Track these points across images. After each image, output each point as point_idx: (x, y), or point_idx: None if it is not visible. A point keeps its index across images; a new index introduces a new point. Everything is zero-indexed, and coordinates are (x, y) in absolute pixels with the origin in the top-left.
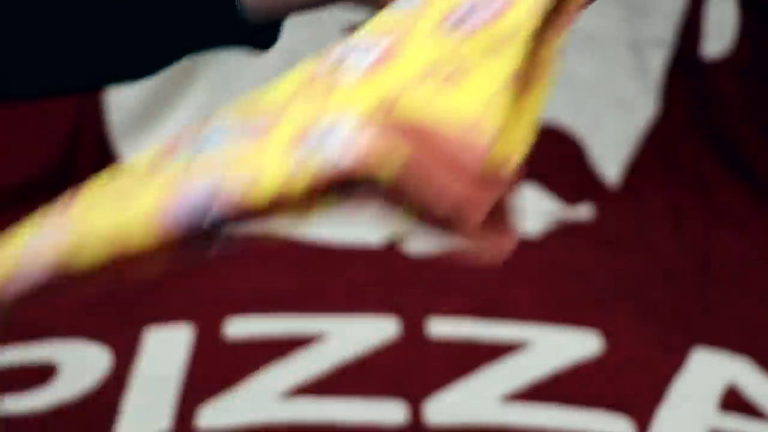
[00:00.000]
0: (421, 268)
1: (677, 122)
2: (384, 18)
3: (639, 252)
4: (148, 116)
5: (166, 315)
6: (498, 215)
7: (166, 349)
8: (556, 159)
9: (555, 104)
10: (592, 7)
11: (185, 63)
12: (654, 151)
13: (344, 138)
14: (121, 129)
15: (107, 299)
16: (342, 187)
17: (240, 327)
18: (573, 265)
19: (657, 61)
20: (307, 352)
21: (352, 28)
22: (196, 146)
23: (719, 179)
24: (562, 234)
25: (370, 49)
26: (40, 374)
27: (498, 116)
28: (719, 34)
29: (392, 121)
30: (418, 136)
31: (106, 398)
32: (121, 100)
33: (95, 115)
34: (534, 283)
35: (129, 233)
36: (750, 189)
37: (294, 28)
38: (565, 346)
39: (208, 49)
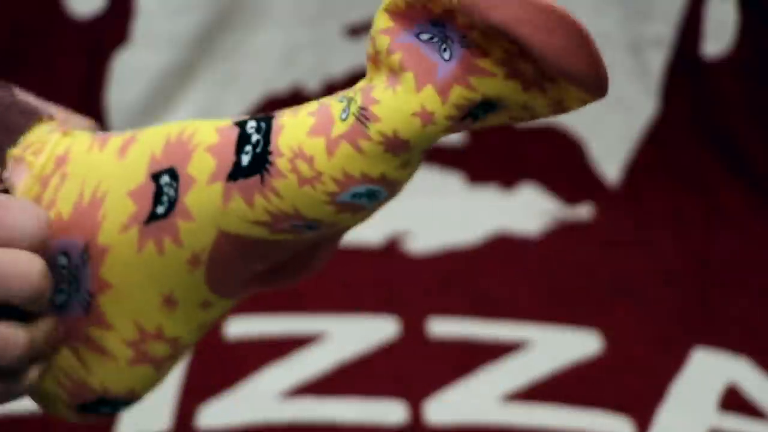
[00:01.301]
0: (421, 268)
1: (677, 122)
2: None
3: (639, 252)
4: (148, 116)
5: None
6: None
7: None
8: (555, 159)
9: None
10: (592, 7)
11: (185, 63)
12: (654, 151)
13: None
14: (121, 128)
15: None
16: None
17: (240, 327)
18: (573, 265)
19: (657, 61)
20: (307, 352)
21: (353, 30)
22: None
23: (719, 179)
24: (561, 234)
25: None
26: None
27: None
28: (719, 34)
29: None
30: None
31: None
32: (121, 100)
33: (96, 115)
34: (534, 282)
35: None
36: (750, 189)
37: (293, 28)
38: (565, 346)
39: None
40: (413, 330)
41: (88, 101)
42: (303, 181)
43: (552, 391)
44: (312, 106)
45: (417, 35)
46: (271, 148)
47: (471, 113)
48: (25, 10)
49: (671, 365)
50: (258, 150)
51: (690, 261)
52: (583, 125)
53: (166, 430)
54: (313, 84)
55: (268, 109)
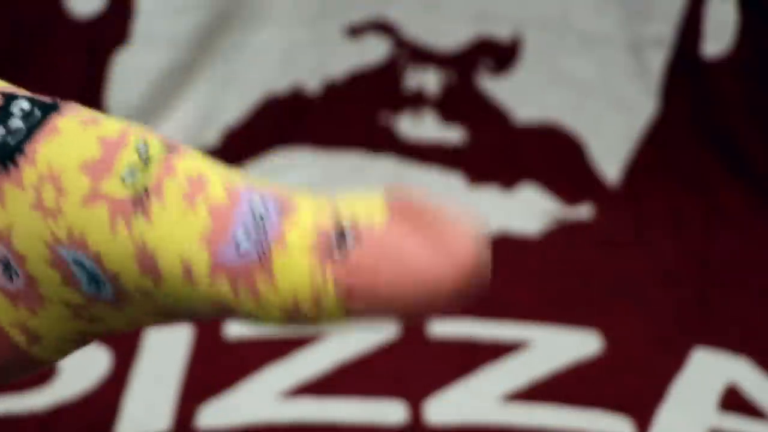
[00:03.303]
0: None
1: (677, 122)
2: None
3: (639, 252)
4: (148, 115)
5: None
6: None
7: (166, 349)
8: (555, 159)
9: (555, 104)
10: (592, 7)
11: (185, 62)
12: (654, 151)
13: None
14: None
15: None
16: None
17: (240, 327)
18: (573, 265)
19: (657, 61)
20: (307, 352)
21: (353, 30)
22: None
23: (719, 179)
24: (561, 234)
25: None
26: (40, 374)
27: None
28: (719, 34)
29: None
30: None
31: (106, 398)
32: (121, 100)
33: None
34: (534, 283)
35: None
36: (750, 189)
37: (292, 28)
38: (565, 346)
39: None
40: (413, 330)
41: (88, 101)
42: (39, 207)
43: (552, 391)
44: (111, 127)
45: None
46: (28, 149)
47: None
48: (25, 10)
49: (671, 365)
50: (11, 141)
51: (690, 261)
52: (583, 125)
53: (166, 430)
54: (313, 84)
55: (268, 109)
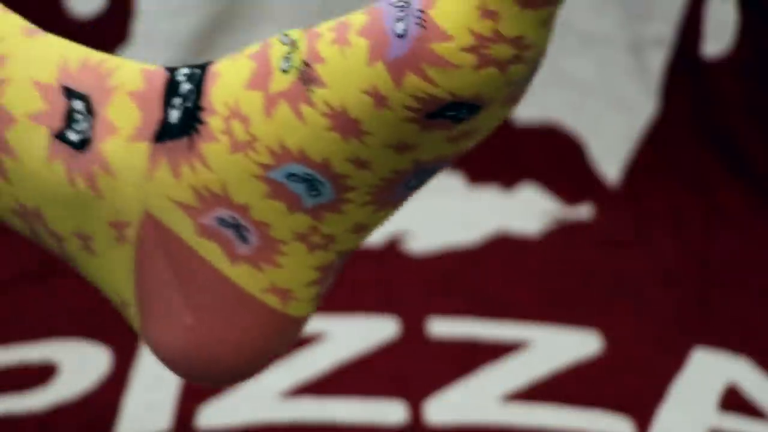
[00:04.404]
0: (421, 268)
1: (677, 122)
2: None
3: (639, 252)
4: None
5: None
6: None
7: None
8: (555, 159)
9: (555, 104)
10: (592, 7)
11: (185, 62)
12: (654, 151)
13: None
14: None
15: (107, 299)
16: None
17: None
18: (573, 265)
19: (657, 61)
20: (307, 352)
21: None
22: None
23: (719, 179)
24: (561, 234)
25: None
26: (40, 374)
27: None
28: (719, 34)
29: None
30: None
31: (106, 398)
32: None
33: None
34: (534, 283)
35: None
36: (750, 189)
37: (293, 28)
38: (565, 346)
39: None
40: (413, 330)
41: None
42: (236, 146)
43: (552, 391)
44: (254, 47)
45: None
46: (204, 102)
47: (445, 113)
48: (25, 10)
49: (671, 365)
50: (188, 104)
51: (690, 261)
52: (583, 125)
53: (166, 430)
54: None
55: None
